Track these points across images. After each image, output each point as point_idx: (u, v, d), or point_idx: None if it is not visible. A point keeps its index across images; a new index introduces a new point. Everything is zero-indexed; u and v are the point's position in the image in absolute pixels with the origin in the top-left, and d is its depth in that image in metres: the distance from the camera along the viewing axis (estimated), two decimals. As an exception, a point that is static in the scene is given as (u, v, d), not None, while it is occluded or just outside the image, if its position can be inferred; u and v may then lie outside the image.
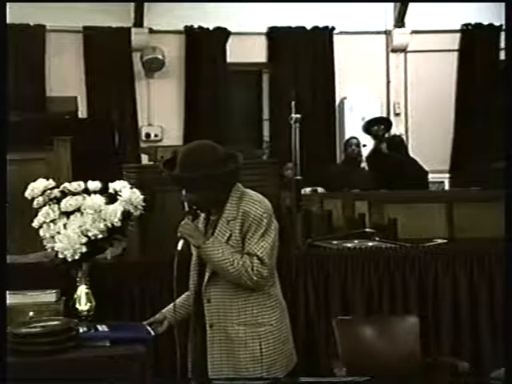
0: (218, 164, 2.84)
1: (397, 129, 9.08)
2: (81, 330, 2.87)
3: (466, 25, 9.26)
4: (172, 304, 2.98)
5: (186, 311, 3.02)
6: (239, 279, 2.81)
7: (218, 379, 2.84)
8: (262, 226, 2.85)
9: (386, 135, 7.92)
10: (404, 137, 9.17)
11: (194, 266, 2.98)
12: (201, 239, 2.85)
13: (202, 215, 2.98)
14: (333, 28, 9.05)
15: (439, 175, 8.35)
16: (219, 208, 2.89)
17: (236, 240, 2.85)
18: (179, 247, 2.83)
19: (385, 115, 9.27)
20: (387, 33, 9.26)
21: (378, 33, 9.25)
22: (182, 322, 3.00)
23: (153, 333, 2.93)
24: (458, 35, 9.25)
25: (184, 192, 2.88)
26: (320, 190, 7.23)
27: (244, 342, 2.84)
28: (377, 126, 7.70)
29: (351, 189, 7.05)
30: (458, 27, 9.25)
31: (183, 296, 3.04)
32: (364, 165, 8.07)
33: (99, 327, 2.93)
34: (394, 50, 9.28)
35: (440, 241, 4.29)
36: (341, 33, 9.06)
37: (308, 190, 6.95)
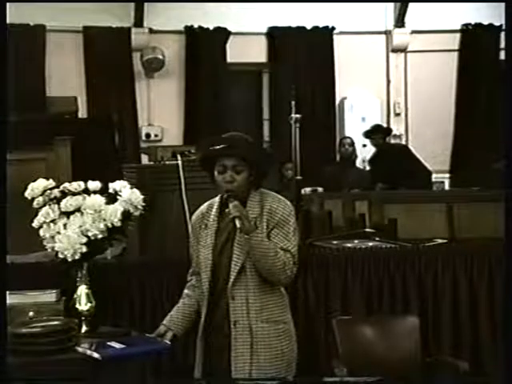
0: (262, 148, 2.90)
1: (397, 129, 9.09)
2: (93, 353, 2.78)
3: (466, 25, 9.27)
4: (172, 313, 2.97)
5: (190, 320, 2.98)
6: (279, 272, 2.82)
7: (243, 379, 2.83)
8: (290, 224, 2.90)
9: (392, 140, 7.96)
10: (404, 137, 9.18)
11: (211, 264, 2.90)
12: (252, 224, 2.81)
13: (214, 210, 2.95)
14: (333, 28, 9.06)
15: (439, 175, 8.35)
16: (241, 203, 2.85)
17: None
18: (238, 225, 2.77)
19: (385, 115, 9.28)
20: (387, 33, 9.26)
21: (378, 33, 9.25)
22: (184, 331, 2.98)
23: (169, 342, 2.91)
24: (458, 35, 9.26)
25: (221, 173, 2.86)
26: (320, 189, 7.23)
27: (268, 338, 2.86)
28: (375, 135, 7.71)
29: (346, 188, 7.06)
30: (458, 27, 9.26)
31: (180, 305, 3.01)
32: (360, 164, 8.09)
33: (112, 344, 2.85)
34: (394, 50, 9.29)
35: (440, 241, 4.29)
36: (341, 33, 9.06)
37: (308, 189, 6.95)
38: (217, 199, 2.98)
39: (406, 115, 9.36)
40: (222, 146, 2.87)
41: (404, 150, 7.78)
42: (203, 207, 3.02)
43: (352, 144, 7.75)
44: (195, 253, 3.00)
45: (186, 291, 3.05)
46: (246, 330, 2.85)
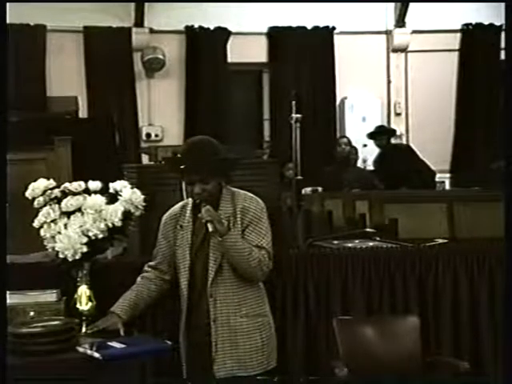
0: (223, 154, 2.97)
1: (397, 129, 9.08)
2: (94, 353, 2.77)
3: (467, 25, 9.27)
4: (120, 301, 3.07)
5: (137, 309, 3.08)
6: (253, 270, 2.91)
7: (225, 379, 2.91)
8: (263, 221, 2.99)
9: (393, 140, 7.96)
10: (404, 137, 9.18)
11: (188, 264, 2.98)
12: (225, 227, 2.90)
13: (188, 211, 3.03)
14: (333, 28, 9.06)
15: (440, 175, 8.35)
16: (213, 206, 2.95)
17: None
18: (210, 229, 2.87)
19: (385, 115, 9.28)
20: (388, 33, 9.27)
21: (379, 33, 9.26)
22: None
23: (169, 342, 2.93)
24: (458, 35, 9.27)
25: (190, 184, 2.94)
26: (320, 189, 7.23)
27: (246, 332, 2.95)
28: (379, 136, 7.71)
29: (346, 188, 7.06)
30: (459, 27, 9.26)
31: (129, 293, 3.10)
32: (361, 164, 8.08)
33: (113, 344, 2.85)
34: (395, 50, 9.29)
35: (441, 241, 4.29)
36: (341, 33, 9.07)
37: (308, 189, 6.95)
38: (190, 200, 3.05)
39: (407, 115, 9.37)
40: (183, 166, 2.95)
41: (407, 149, 7.78)
42: (176, 208, 3.10)
43: (349, 143, 7.73)
44: (164, 251, 3.09)
45: (138, 280, 3.15)
46: (225, 325, 2.93)
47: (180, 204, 3.11)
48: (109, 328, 2.99)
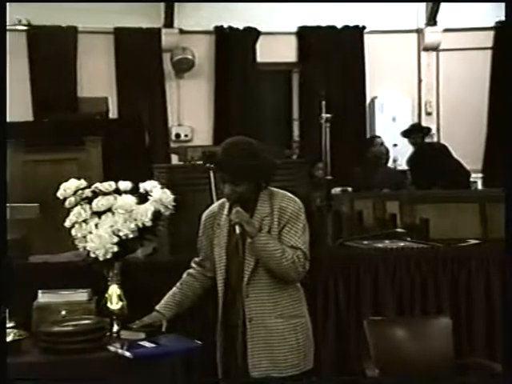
0: (261, 157, 2.94)
1: (429, 128, 8.99)
2: (125, 352, 2.81)
3: (501, 22, 9.15)
4: (167, 299, 3.09)
5: (182, 307, 3.11)
6: (288, 270, 2.89)
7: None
8: (300, 222, 2.96)
9: (428, 140, 7.89)
10: (435, 136, 9.09)
11: (224, 263, 2.98)
12: (256, 228, 2.90)
13: (225, 210, 3.01)
14: (363, 27, 9.01)
15: (472, 175, 8.26)
16: (250, 206, 2.94)
17: (275, 235, 2.93)
18: (238, 231, 2.88)
19: (416, 114, 9.21)
20: (419, 31, 9.18)
21: (410, 31, 9.18)
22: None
23: (199, 342, 2.95)
24: (491, 33, 9.14)
25: (227, 184, 2.92)
26: (350, 189, 7.20)
27: (281, 333, 2.92)
28: (414, 134, 7.64)
29: (376, 188, 7.02)
30: (492, 24, 9.14)
31: (175, 291, 3.13)
32: (390, 164, 8.02)
33: (143, 343, 2.88)
34: (426, 49, 9.21)
35: (473, 241, 4.24)
36: (371, 32, 9.01)
37: (338, 189, 6.93)
38: (225, 200, 3.04)
39: (438, 114, 9.28)
40: (212, 165, 3.02)
41: (443, 149, 7.69)
42: (214, 206, 3.11)
43: (382, 143, 7.71)
44: (205, 249, 3.10)
45: (184, 276, 3.16)
46: (261, 326, 2.91)
47: (219, 202, 3.10)
48: (153, 325, 3.02)
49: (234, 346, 2.96)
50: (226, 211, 3.01)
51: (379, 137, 7.93)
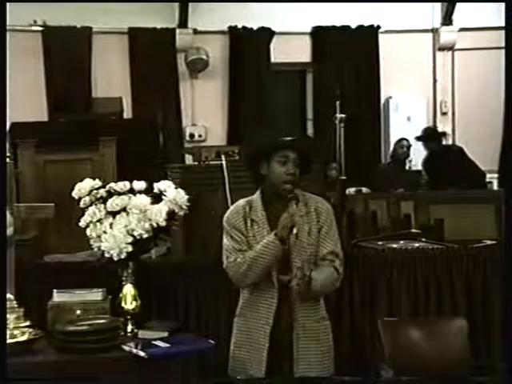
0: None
1: (443, 128, 8.95)
2: (139, 351, 2.81)
3: (515, 21, 9.09)
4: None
5: None
6: (336, 285, 2.97)
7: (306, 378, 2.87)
8: (334, 224, 2.99)
9: (444, 141, 7.87)
10: (451, 136, 9.04)
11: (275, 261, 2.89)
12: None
13: (259, 206, 2.95)
14: (378, 27, 8.98)
15: (488, 175, 8.20)
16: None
17: (315, 235, 2.93)
18: (295, 231, 2.82)
19: (431, 114, 9.16)
20: (434, 31, 9.14)
21: (425, 31, 9.13)
22: None
23: (213, 342, 2.94)
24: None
25: (290, 166, 2.88)
26: (364, 190, 7.19)
27: (317, 336, 2.94)
28: (429, 141, 7.61)
29: (395, 189, 7.00)
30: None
31: None
32: (407, 164, 8.00)
33: (158, 343, 2.89)
34: (441, 49, 9.16)
35: (489, 242, 4.22)
36: (386, 31, 8.98)
37: (352, 190, 6.92)
38: (255, 196, 2.99)
39: (453, 114, 9.23)
40: (291, 138, 2.92)
41: (458, 152, 7.65)
42: (240, 204, 3.00)
43: (409, 147, 7.69)
44: (243, 247, 2.93)
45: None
46: (304, 328, 2.91)
47: (244, 200, 3.01)
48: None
49: (279, 347, 2.90)
50: (260, 206, 2.94)
51: (406, 139, 7.89)
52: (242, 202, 3.02)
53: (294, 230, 2.81)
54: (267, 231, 2.90)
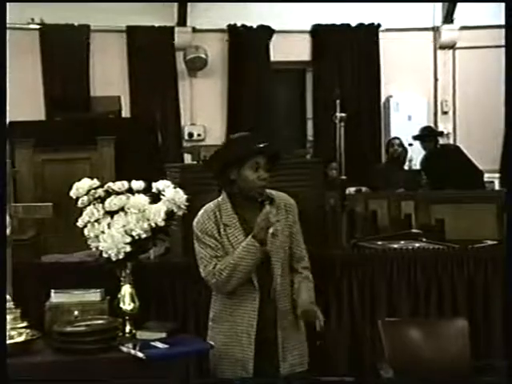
0: None
1: (444, 127, 8.96)
2: (137, 352, 2.82)
3: (517, 20, 9.09)
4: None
5: None
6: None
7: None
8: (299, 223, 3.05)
9: (440, 141, 7.87)
10: (452, 135, 9.05)
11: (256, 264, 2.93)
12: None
13: (229, 209, 2.99)
14: (378, 25, 8.99)
15: (489, 175, 8.21)
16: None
17: (287, 233, 3.00)
18: (271, 231, 2.86)
19: (432, 114, 9.17)
20: (435, 29, 9.15)
21: (426, 29, 9.15)
22: None
23: (212, 343, 2.95)
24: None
25: (261, 170, 2.93)
26: (364, 189, 7.19)
27: (299, 328, 3.02)
28: (426, 139, 7.62)
29: (393, 189, 7.01)
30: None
31: None
32: (406, 164, 8.01)
33: (156, 344, 2.89)
34: (442, 47, 9.17)
35: (490, 242, 4.22)
36: (387, 30, 8.99)
37: (352, 189, 6.92)
38: (222, 200, 3.00)
39: (454, 113, 9.24)
40: (264, 144, 2.94)
41: (455, 150, 7.67)
42: (210, 209, 3.00)
43: (401, 145, 7.71)
44: (220, 252, 2.95)
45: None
46: (288, 323, 2.97)
47: (211, 205, 3.02)
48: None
49: (264, 345, 2.94)
50: (229, 210, 2.97)
51: (398, 138, 7.92)
52: (210, 206, 3.02)
53: (270, 230, 2.86)
54: (242, 234, 2.94)
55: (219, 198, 3.02)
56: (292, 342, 2.98)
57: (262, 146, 2.93)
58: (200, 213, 3.02)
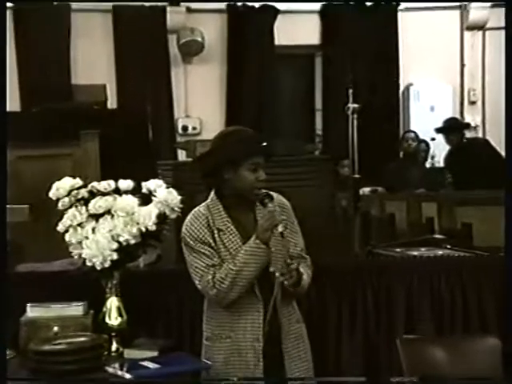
0: None
1: (472, 119, 8.97)
2: (125, 373, 2.84)
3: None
4: None
5: None
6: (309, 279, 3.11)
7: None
8: (296, 222, 3.13)
9: (467, 134, 7.87)
10: (480, 128, 9.05)
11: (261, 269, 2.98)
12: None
13: (221, 213, 3.04)
14: (397, 4, 9.00)
15: (522, 173, 8.22)
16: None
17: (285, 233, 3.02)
18: (280, 229, 2.90)
19: (458, 104, 9.18)
20: (462, 8, 9.16)
21: (452, 8, 9.15)
22: None
23: (209, 363, 2.98)
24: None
25: (260, 173, 2.99)
26: (380, 190, 7.21)
27: (302, 337, 3.10)
28: (450, 133, 7.63)
29: (413, 189, 7.02)
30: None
31: None
32: (429, 161, 8.02)
33: (146, 363, 2.90)
34: (470, 28, 9.18)
35: (523, 249, 4.22)
36: (407, 9, 9.01)
37: (367, 190, 6.94)
38: (211, 202, 3.05)
39: (483, 103, 9.25)
40: (263, 144, 3.02)
41: (484, 145, 7.67)
42: (201, 213, 3.03)
43: (416, 138, 7.72)
44: (215, 260, 2.98)
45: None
46: (291, 332, 3.05)
47: (201, 208, 3.06)
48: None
49: (269, 358, 2.99)
50: (223, 213, 3.02)
51: (412, 131, 7.95)
52: (199, 210, 3.06)
53: (280, 228, 2.90)
54: (239, 239, 2.99)
55: (208, 201, 3.07)
56: (297, 352, 3.05)
57: (263, 145, 3.01)
58: (188, 218, 3.06)
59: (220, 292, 2.94)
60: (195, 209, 3.08)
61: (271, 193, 3.03)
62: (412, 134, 7.81)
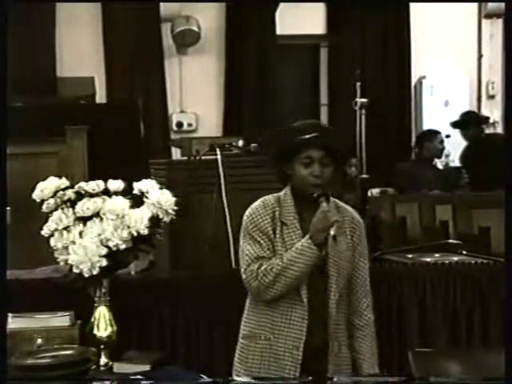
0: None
1: (490, 114, 8.96)
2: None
3: None
4: None
5: None
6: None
7: None
8: (366, 245, 3.17)
9: (488, 130, 7.87)
10: (499, 124, 9.04)
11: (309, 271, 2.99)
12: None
13: (290, 206, 3.06)
14: (409, -10, 9.02)
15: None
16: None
17: (350, 251, 3.09)
18: (332, 232, 2.90)
19: (475, 98, 9.17)
20: (480, -6, 9.15)
21: (468, -5, 9.16)
22: None
23: (206, 378, 2.97)
24: None
25: (315, 168, 2.99)
26: (391, 191, 7.21)
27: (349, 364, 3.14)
28: (467, 126, 7.62)
29: (426, 190, 7.02)
30: None
31: None
32: (443, 159, 8.01)
33: (137, 379, 2.92)
34: (489, 16, 9.16)
35: (545, 255, 4.23)
36: (419, -4, 9.01)
37: (376, 191, 6.95)
38: (284, 195, 3.08)
39: (503, 97, 9.24)
40: (312, 135, 3.00)
41: (502, 141, 7.67)
42: (270, 202, 3.08)
43: (442, 141, 7.69)
44: (269, 253, 3.02)
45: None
46: (336, 354, 3.07)
47: (271, 197, 3.10)
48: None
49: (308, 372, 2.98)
50: (291, 207, 3.05)
51: (440, 133, 7.91)
52: (270, 198, 3.10)
53: (332, 232, 2.89)
54: (300, 237, 3.00)
55: (281, 193, 3.10)
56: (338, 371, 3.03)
57: (310, 136, 2.99)
58: (256, 204, 3.10)
59: (261, 285, 2.97)
60: (266, 197, 3.12)
61: (342, 204, 3.11)
62: (441, 136, 7.73)
